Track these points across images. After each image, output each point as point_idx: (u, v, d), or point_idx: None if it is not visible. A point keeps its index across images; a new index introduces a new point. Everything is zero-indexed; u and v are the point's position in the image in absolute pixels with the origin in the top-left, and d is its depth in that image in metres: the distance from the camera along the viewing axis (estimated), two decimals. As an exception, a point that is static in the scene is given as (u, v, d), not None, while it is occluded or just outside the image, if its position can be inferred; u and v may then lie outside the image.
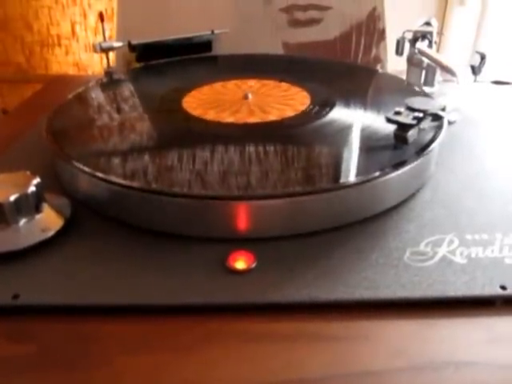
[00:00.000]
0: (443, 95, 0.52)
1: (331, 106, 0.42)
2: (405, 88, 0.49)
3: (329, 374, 0.23)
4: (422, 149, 0.35)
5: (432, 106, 0.35)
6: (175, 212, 0.30)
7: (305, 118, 0.40)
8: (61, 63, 0.80)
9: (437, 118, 0.36)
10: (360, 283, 0.27)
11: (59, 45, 0.78)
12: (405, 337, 0.25)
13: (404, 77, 0.54)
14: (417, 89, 0.48)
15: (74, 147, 0.37)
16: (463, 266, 0.29)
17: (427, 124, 0.36)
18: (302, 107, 0.42)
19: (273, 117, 0.40)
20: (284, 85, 0.48)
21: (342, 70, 0.55)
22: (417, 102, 0.36)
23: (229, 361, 0.24)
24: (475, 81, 0.46)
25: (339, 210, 0.31)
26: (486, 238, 0.31)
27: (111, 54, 0.63)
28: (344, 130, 0.38)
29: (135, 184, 0.31)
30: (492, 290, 0.27)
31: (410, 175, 0.34)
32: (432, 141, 0.36)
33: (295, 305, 0.26)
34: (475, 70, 0.46)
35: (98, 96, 0.48)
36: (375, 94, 0.46)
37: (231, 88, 0.48)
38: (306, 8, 0.60)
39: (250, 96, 0.44)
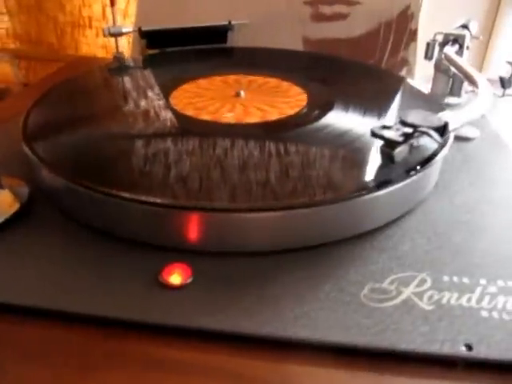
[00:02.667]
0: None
1: (325, 111, 0.38)
2: (418, 98, 0.44)
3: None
4: (411, 169, 0.31)
5: (430, 121, 0.31)
6: (116, 214, 0.28)
7: (290, 122, 0.37)
8: (90, 45, 0.81)
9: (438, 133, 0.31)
10: (298, 319, 0.24)
11: (90, 26, 0.79)
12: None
13: (430, 84, 0.49)
14: (431, 100, 0.43)
15: (41, 135, 0.35)
16: (427, 314, 0.24)
17: (423, 141, 0.31)
18: (293, 110, 0.38)
19: (258, 118, 0.37)
20: (285, 84, 0.44)
21: (353, 70, 0.50)
22: (413, 115, 0.31)
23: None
24: (504, 95, 0.40)
25: (298, 231, 0.28)
26: (466, 281, 0.26)
27: (129, 40, 0.62)
28: (328, 141, 0.34)
29: (78, 179, 0.29)
30: (453, 348, 0.23)
31: (392, 198, 0.30)
32: (427, 160, 0.32)
33: (217, 334, 0.23)
34: (505, 83, 0.40)
35: (88, 84, 0.47)
36: (380, 101, 0.41)
37: (231, 83, 0.45)
38: (332, 2, 0.56)
39: (242, 93, 0.41)
